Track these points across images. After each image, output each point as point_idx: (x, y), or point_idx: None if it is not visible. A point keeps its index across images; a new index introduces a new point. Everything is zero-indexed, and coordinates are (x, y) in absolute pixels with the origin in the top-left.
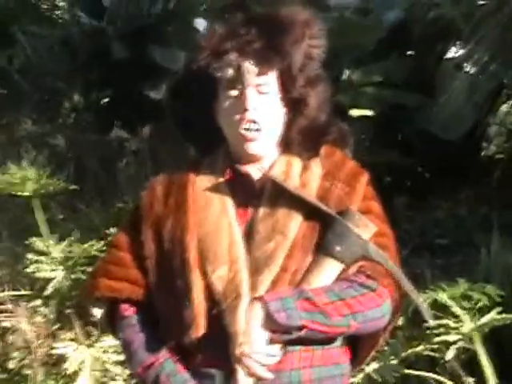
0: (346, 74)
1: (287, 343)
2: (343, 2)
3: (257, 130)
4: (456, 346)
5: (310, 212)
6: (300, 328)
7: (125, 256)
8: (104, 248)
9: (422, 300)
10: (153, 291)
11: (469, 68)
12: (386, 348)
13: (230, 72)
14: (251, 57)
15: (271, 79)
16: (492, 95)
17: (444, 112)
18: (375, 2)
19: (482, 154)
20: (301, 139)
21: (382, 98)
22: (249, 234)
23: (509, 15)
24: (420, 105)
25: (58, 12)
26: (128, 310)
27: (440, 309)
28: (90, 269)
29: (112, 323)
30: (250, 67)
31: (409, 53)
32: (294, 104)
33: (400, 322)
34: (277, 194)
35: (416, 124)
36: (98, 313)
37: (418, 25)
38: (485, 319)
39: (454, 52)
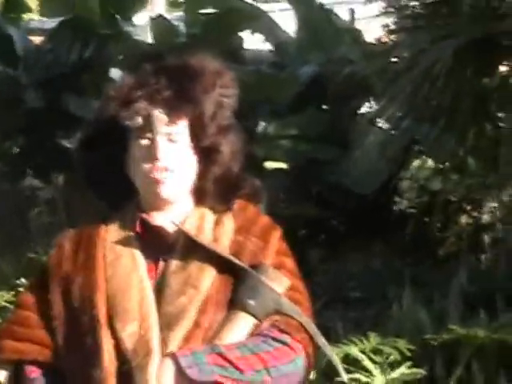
0: (262, 126)
1: None
2: (259, 56)
3: (167, 174)
4: None
5: (223, 266)
6: (213, 383)
7: (30, 316)
8: (13, 299)
9: (335, 355)
10: (60, 352)
11: (382, 123)
12: None
13: (139, 120)
14: (161, 105)
15: (182, 128)
16: (404, 150)
17: (358, 166)
18: (291, 57)
19: (395, 208)
20: (214, 190)
21: (297, 151)
22: (160, 289)
23: (420, 73)
24: (334, 159)
25: None
26: (34, 372)
27: (352, 363)
28: None
29: None
30: (159, 115)
31: (324, 107)
32: (206, 153)
33: (312, 375)
34: (189, 248)
35: (330, 178)
36: (1, 376)
37: (332, 80)
38: (395, 374)
39: (367, 107)
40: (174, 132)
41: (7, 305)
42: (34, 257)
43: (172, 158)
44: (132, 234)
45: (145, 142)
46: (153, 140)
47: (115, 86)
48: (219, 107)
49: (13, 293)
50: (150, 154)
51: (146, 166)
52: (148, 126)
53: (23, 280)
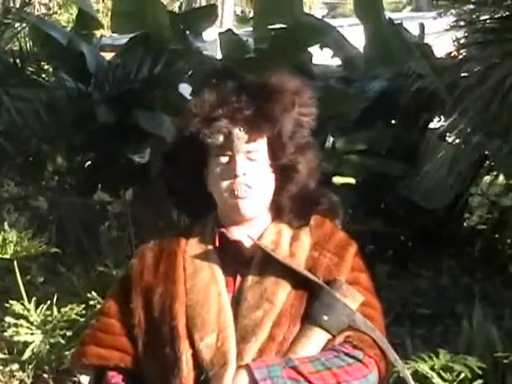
0: (330, 141)
1: None
2: (328, 71)
3: (246, 190)
4: None
5: (298, 281)
6: None
7: (114, 323)
8: (84, 312)
9: (406, 371)
10: (141, 359)
11: (452, 138)
12: None
13: (220, 138)
14: (241, 124)
15: (261, 146)
16: (475, 166)
17: (427, 181)
18: (359, 72)
19: (465, 224)
20: (291, 206)
21: (365, 166)
22: (237, 302)
23: (491, 88)
24: (403, 174)
25: (43, 75)
26: (115, 378)
27: (421, 380)
28: (69, 333)
29: None
30: (239, 134)
31: (393, 122)
32: (283, 170)
33: None
34: (266, 263)
35: (399, 193)
36: (85, 380)
37: (402, 95)
38: None
39: (437, 122)
40: (254, 150)
41: (78, 318)
42: (103, 270)
43: (251, 175)
44: (211, 247)
45: (225, 159)
46: (233, 157)
47: (196, 102)
48: (298, 126)
49: (83, 306)
50: (230, 171)
51: (226, 182)
52: (228, 144)
53: (94, 293)
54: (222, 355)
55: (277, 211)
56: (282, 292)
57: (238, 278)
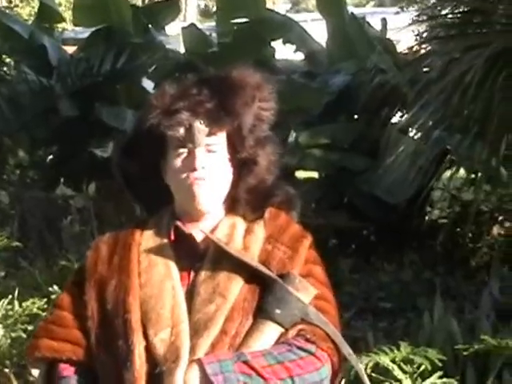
0: (293, 135)
1: None
2: (291, 66)
3: (205, 184)
4: None
5: (251, 275)
6: None
7: (66, 316)
8: (46, 306)
9: (360, 365)
10: (94, 352)
11: (413, 133)
12: None
13: (181, 131)
14: (202, 117)
15: (220, 139)
16: (436, 160)
17: (389, 176)
18: (322, 67)
19: (426, 218)
20: (248, 199)
21: (328, 160)
22: (191, 297)
23: (452, 82)
24: (366, 168)
25: (4, 68)
26: (67, 370)
27: (382, 372)
28: (30, 327)
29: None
30: (200, 127)
31: (355, 116)
32: (243, 164)
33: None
34: (219, 257)
35: (361, 187)
36: (35, 373)
37: (364, 89)
38: (426, 383)
39: (399, 117)
40: (213, 143)
41: (40, 312)
42: (66, 264)
43: (209, 168)
44: (166, 241)
45: (184, 151)
46: (192, 150)
47: (157, 94)
48: (258, 120)
49: (45, 300)
50: (189, 164)
51: (184, 175)
52: (189, 137)
53: (55, 287)
54: (174, 350)
55: (232, 204)
56: (235, 286)
57: (192, 273)
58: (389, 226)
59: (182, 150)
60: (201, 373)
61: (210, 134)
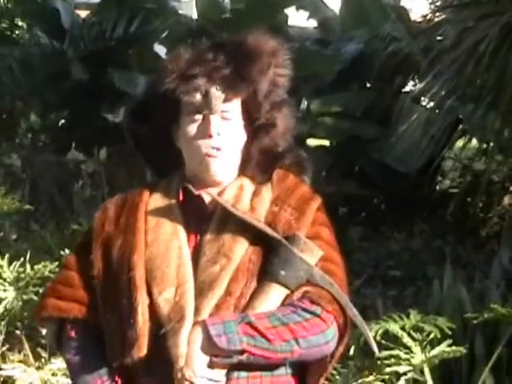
0: (305, 103)
1: (232, 368)
2: (304, 33)
3: (220, 151)
4: (406, 376)
5: (257, 237)
6: (241, 352)
7: (74, 276)
8: (57, 269)
9: (366, 327)
10: (100, 310)
11: (426, 102)
12: (337, 378)
13: (198, 97)
14: (219, 82)
15: (235, 105)
16: (448, 130)
17: (400, 145)
18: (335, 34)
19: (437, 187)
20: (259, 159)
21: (340, 128)
22: (197, 257)
23: (466, 51)
24: (377, 137)
25: (17, 32)
26: (74, 329)
27: (391, 340)
28: (42, 290)
29: (59, 343)
30: (217, 93)
31: (368, 85)
32: (259, 128)
33: (351, 351)
34: (225, 218)
35: (372, 155)
36: (43, 332)
37: (377, 57)
38: (435, 351)
39: (412, 86)
40: (228, 109)
41: (51, 275)
42: (77, 228)
43: (224, 135)
44: (175, 202)
45: (199, 117)
46: (207, 117)
47: (172, 58)
48: (273, 86)
49: (57, 263)
50: (204, 131)
51: (199, 141)
52: (205, 103)
53: (67, 251)
54: (179, 310)
55: (242, 164)
56: (240, 247)
57: (199, 234)
58: (399, 195)
59: (197, 116)
60: (204, 334)
61: (225, 101)
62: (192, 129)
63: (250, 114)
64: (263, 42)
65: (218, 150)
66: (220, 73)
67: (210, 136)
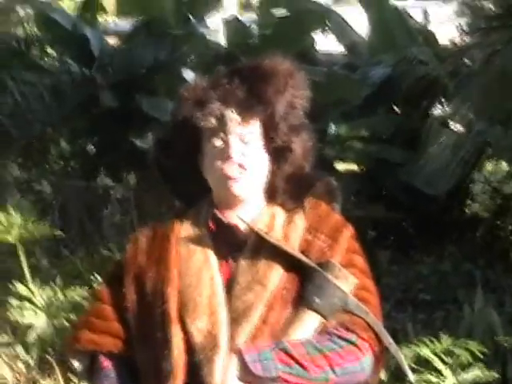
0: (333, 127)
1: None
2: (331, 58)
3: (240, 171)
4: None
5: (291, 264)
6: (276, 380)
7: (107, 308)
8: (87, 295)
9: (401, 355)
10: (133, 343)
11: (454, 125)
12: None
13: (213, 121)
14: (234, 106)
15: (254, 128)
16: (477, 153)
17: (429, 167)
18: (363, 59)
19: (466, 210)
20: (285, 187)
21: (368, 152)
22: (230, 286)
23: (493, 75)
24: (405, 160)
25: (47, 59)
26: (107, 363)
27: (422, 364)
28: (73, 315)
29: (91, 375)
30: (232, 116)
31: (395, 108)
32: (278, 152)
33: (383, 376)
34: (259, 246)
35: (401, 179)
36: (76, 365)
37: (404, 81)
38: (467, 375)
39: (439, 109)
40: (247, 132)
41: (82, 301)
42: (106, 253)
43: (245, 157)
44: (205, 231)
45: (218, 142)
46: (226, 140)
47: (189, 86)
48: (291, 107)
49: (87, 288)
50: (223, 154)
51: (220, 164)
52: (221, 126)
53: (97, 276)
54: (212, 338)
55: (271, 193)
56: (275, 275)
57: (231, 262)
58: (428, 218)
59: (216, 141)
60: (240, 361)
61: (242, 123)
62: (213, 153)
63: (269, 136)
64: (279, 63)
65: (240, 171)
66: (235, 96)
67: (230, 158)
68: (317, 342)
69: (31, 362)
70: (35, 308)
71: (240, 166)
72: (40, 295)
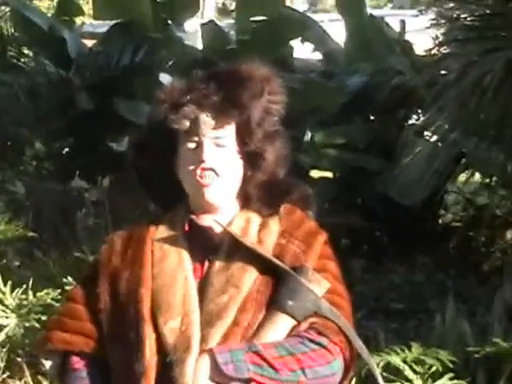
0: (309, 135)
1: None
2: (309, 65)
3: (213, 177)
4: None
5: (265, 268)
6: (248, 381)
7: (80, 309)
8: (59, 297)
9: (373, 360)
10: (106, 344)
11: (429, 135)
12: None
13: (187, 124)
14: (208, 109)
15: (229, 132)
16: (451, 163)
17: (403, 177)
18: (340, 67)
19: (440, 221)
20: (259, 194)
21: (343, 160)
22: (203, 288)
23: (469, 85)
24: (380, 169)
25: (23, 60)
26: (79, 363)
27: (393, 372)
28: (44, 317)
29: (62, 375)
30: (206, 119)
31: (371, 117)
32: (251, 158)
33: (353, 382)
34: (233, 249)
35: (375, 188)
36: (47, 365)
37: (381, 90)
38: None
39: (415, 119)
40: (221, 136)
41: (53, 303)
42: (79, 256)
43: (218, 161)
44: (180, 233)
45: (192, 145)
46: (200, 143)
47: (166, 89)
48: (266, 113)
49: (59, 291)
50: (197, 157)
51: (193, 167)
52: (195, 130)
53: (69, 278)
54: (185, 339)
55: (245, 199)
56: (248, 277)
57: (206, 264)
58: (402, 228)
59: (190, 144)
60: (212, 362)
61: (216, 127)
62: (186, 157)
63: (243, 141)
64: (255, 69)
65: (212, 174)
66: (210, 99)
67: (203, 161)
68: (288, 345)
69: (0, 364)
70: (5, 309)
71: (212, 170)
72: (11, 296)
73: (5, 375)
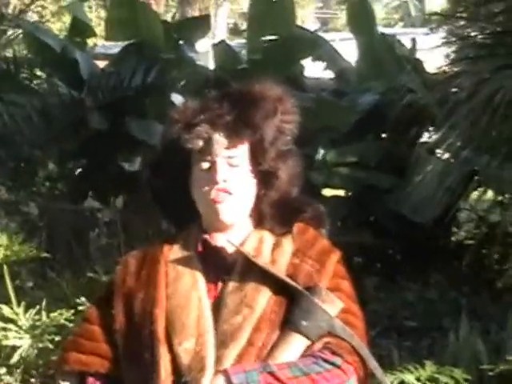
0: (321, 153)
1: None
2: (320, 84)
3: (226, 196)
4: None
5: (278, 288)
6: None
7: (95, 330)
8: (73, 317)
9: (387, 379)
10: (122, 365)
11: (441, 153)
12: None
13: (200, 143)
14: (222, 129)
15: (242, 152)
16: (463, 181)
17: (416, 195)
18: (351, 85)
19: (453, 238)
20: (272, 213)
21: (355, 178)
22: (217, 308)
23: (481, 102)
24: (392, 187)
25: (36, 81)
26: (95, 383)
27: None
28: (57, 338)
29: None
30: (220, 139)
31: (383, 135)
32: (264, 177)
33: None
34: (247, 269)
35: (388, 206)
36: None
37: (392, 109)
38: None
39: (427, 137)
40: (234, 156)
41: (67, 323)
42: (93, 276)
43: (231, 181)
44: (194, 253)
45: (205, 164)
46: (213, 163)
47: (179, 109)
48: (279, 133)
49: (72, 311)
50: (210, 177)
51: (206, 188)
52: (208, 149)
53: (83, 299)
54: (200, 360)
55: (258, 218)
56: (262, 298)
57: (220, 284)
58: (415, 245)
59: (203, 164)
60: (226, 382)
61: (230, 147)
62: (200, 177)
63: (256, 160)
64: (269, 88)
65: (225, 193)
66: (223, 119)
67: (216, 182)
68: (303, 365)
69: None
70: (19, 330)
71: (225, 191)
72: (25, 317)
73: None
